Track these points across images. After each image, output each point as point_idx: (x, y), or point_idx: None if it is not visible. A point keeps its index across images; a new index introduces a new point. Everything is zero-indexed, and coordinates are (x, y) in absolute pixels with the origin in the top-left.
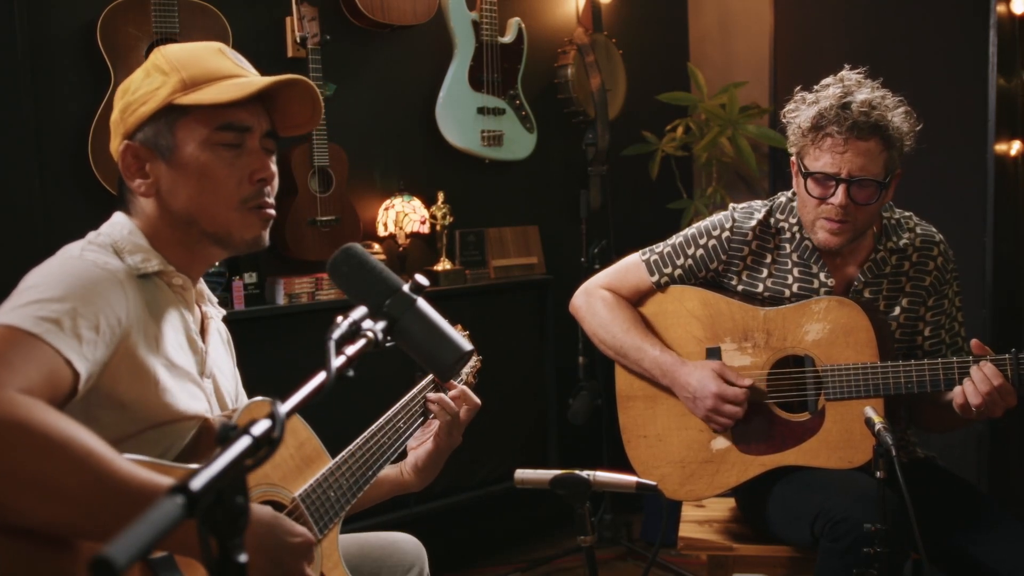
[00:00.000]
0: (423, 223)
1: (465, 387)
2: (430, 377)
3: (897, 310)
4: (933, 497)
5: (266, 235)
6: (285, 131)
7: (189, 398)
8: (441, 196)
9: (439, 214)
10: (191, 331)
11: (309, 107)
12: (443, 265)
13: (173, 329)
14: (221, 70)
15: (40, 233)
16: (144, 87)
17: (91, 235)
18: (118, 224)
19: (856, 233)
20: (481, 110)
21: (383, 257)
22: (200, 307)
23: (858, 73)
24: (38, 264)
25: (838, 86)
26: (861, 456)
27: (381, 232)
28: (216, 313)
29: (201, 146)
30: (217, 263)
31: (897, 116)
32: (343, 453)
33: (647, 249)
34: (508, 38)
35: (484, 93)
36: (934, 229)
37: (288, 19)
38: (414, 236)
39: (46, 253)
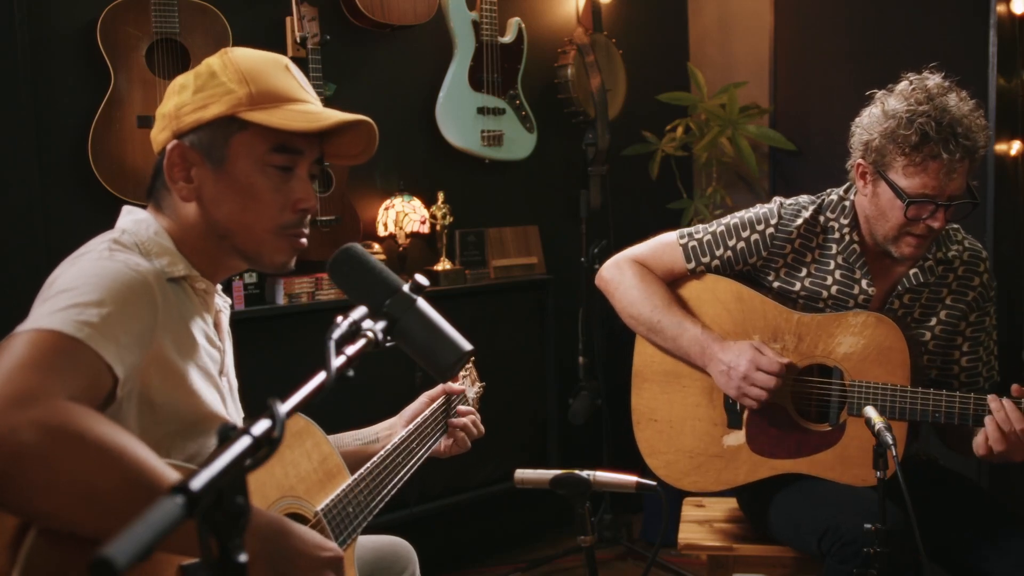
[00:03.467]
0: (423, 223)
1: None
2: (439, 400)
3: (933, 321)
4: (934, 498)
5: (293, 262)
6: (332, 159)
7: (214, 399)
8: (441, 196)
9: (439, 214)
10: (210, 332)
11: (363, 143)
12: (443, 265)
13: (198, 331)
14: (288, 91)
15: (40, 233)
16: (208, 90)
17: (114, 233)
18: (143, 222)
19: (933, 243)
20: (481, 110)
21: (383, 257)
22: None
23: (937, 76)
24: (36, 261)
25: (930, 103)
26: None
27: (381, 232)
28: (224, 305)
29: (254, 164)
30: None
31: (984, 128)
32: (362, 470)
33: (685, 232)
34: (508, 38)
35: (484, 93)
36: (980, 245)
37: (288, 19)
38: (414, 236)
39: (46, 253)
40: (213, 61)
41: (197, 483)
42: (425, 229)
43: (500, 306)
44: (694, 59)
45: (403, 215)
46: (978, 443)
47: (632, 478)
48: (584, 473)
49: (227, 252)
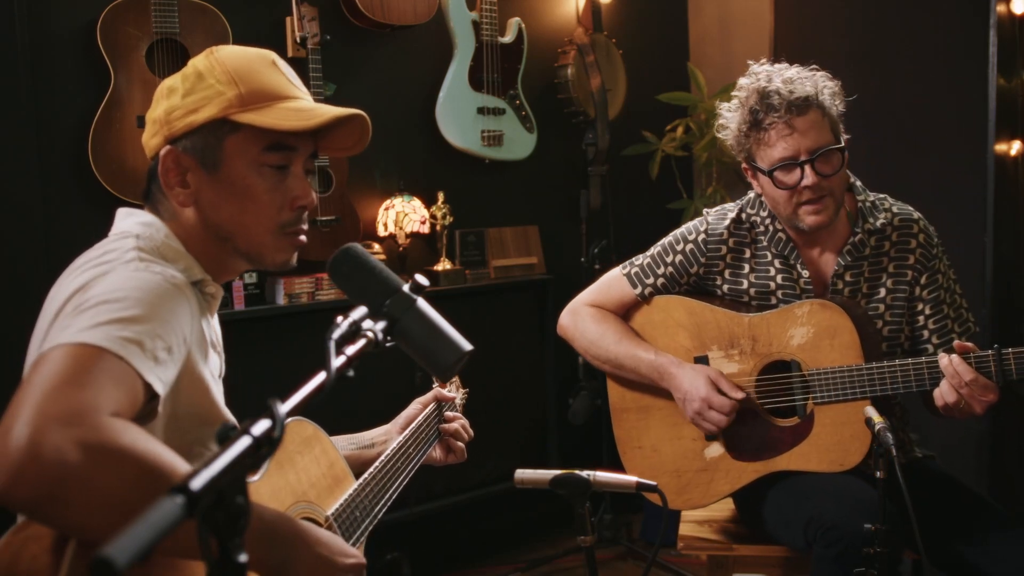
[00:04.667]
0: (423, 223)
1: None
2: (432, 406)
3: (883, 292)
4: (931, 498)
5: (295, 258)
6: (326, 152)
7: (222, 405)
8: (441, 196)
9: (439, 214)
10: (214, 336)
11: (356, 135)
12: (443, 265)
13: (207, 336)
14: (278, 89)
15: (40, 233)
16: (197, 93)
17: (131, 241)
18: (151, 226)
19: (838, 204)
20: (481, 110)
21: (383, 257)
22: None
23: (763, 64)
24: (36, 261)
25: (752, 79)
26: (853, 458)
27: (381, 232)
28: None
29: (249, 165)
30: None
31: (819, 81)
32: (365, 475)
33: (627, 263)
34: (508, 38)
35: (484, 93)
36: (911, 208)
37: (288, 19)
38: (414, 236)
39: (46, 253)
40: (199, 62)
41: (197, 483)
42: (425, 229)
43: (500, 306)
44: (694, 59)
45: (403, 215)
46: (936, 397)
47: (632, 478)
48: (584, 473)
49: (229, 254)
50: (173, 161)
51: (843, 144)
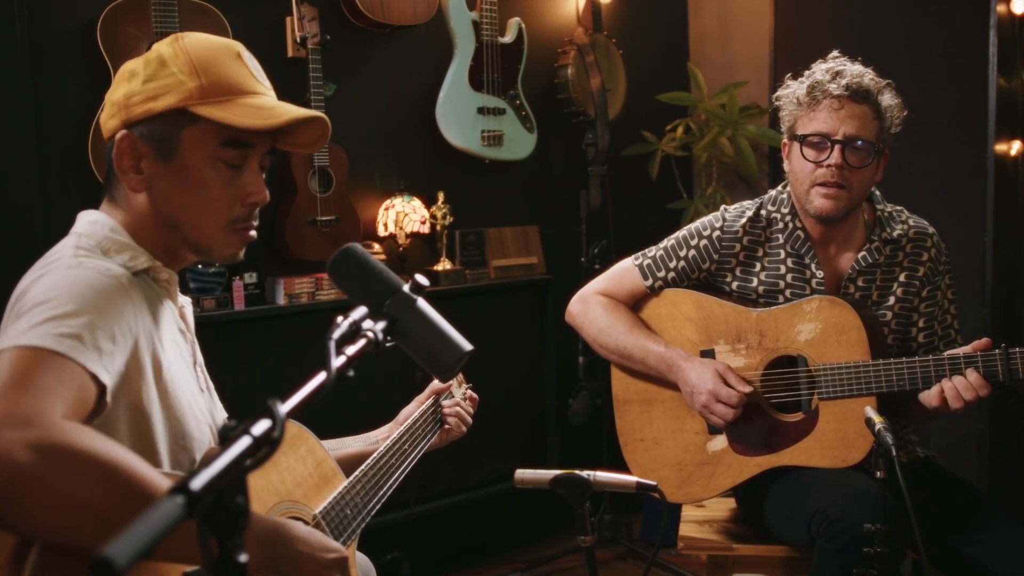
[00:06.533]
0: (423, 223)
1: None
2: (429, 401)
3: (892, 299)
4: (932, 497)
5: (242, 253)
6: (285, 148)
7: (193, 389)
8: (441, 196)
9: (439, 214)
10: (179, 323)
11: (317, 133)
12: (443, 265)
13: (167, 323)
14: (240, 83)
15: (40, 233)
16: (158, 80)
17: (73, 239)
18: (97, 223)
19: (851, 203)
20: (481, 110)
21: (383, 257)
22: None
23: (848, 58)
24: (35, 260)
25: (829, 63)
26: (856, 455)
27: (381, 232)
28: (185, 300)
29: (205, 159)
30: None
31: (888, 94)
32: (356, 472)
33: (639, 254)
34: (508, 38)
35: (484, 93)
36: (926, 222)
37: (288, 19)
38: (414, 236)
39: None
40: (164, 49)
41: (197, 483)
42: (425, 229)
43: (500, 306)
44: (694, 59)
45: (403, 215)
46: (931, 395)
47: (632, 478)
48: (584, 473)
49: (178, 244)
50: (129, 146)
51: (880, 148)
